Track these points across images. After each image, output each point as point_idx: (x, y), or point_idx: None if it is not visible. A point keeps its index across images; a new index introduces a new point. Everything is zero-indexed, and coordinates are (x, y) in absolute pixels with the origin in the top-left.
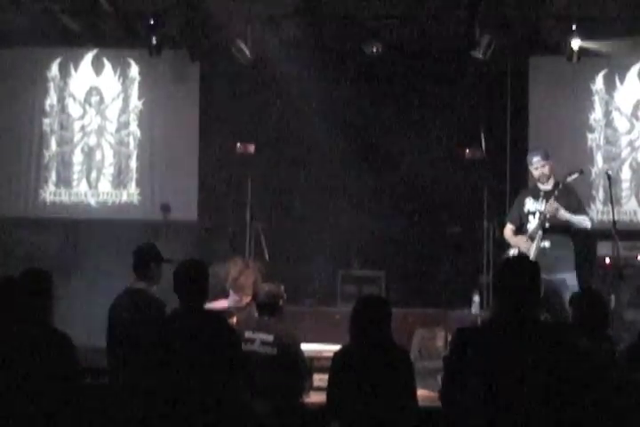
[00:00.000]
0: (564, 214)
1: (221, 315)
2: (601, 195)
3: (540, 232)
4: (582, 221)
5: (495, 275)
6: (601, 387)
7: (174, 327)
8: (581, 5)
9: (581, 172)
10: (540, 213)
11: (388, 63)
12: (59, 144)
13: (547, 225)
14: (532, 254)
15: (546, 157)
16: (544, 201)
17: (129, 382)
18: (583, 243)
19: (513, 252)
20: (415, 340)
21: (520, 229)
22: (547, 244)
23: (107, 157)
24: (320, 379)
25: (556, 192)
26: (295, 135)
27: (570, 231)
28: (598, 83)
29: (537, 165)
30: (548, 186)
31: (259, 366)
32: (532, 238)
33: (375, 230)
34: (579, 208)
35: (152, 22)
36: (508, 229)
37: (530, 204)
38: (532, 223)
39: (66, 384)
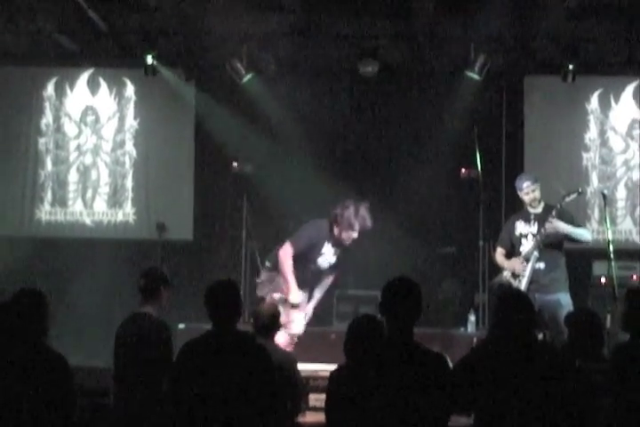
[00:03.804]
0: (565, 228)
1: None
2: (596, 214)
3: (535, 253)
4: (583, 233)
5: (495, 308)
6: (596, 407)
7: (208, 349)
8: (576, 25)
9: (579, 192)
10: (534, 235)
11: (384, 83)
12: (54, 163)
13: (542, 247)
14: (526, 276)
15: (534, 181)
16: (536, 223)
17: (161, 404)
18: (579, 262)
19: (506, 274)
20: None
21: (510, 253)
22: (541, 265)
23: (102, 176)
24: (316, 399)
25: (554, 213)
26: (291, 154)
27: (563, 252)
28: (593, 102)
29: (527, 191)
30: (538, 209)
31: None
32: (527, 260)
33: (370, 250)
34: (575, 225)
35: (148, 42)
36: (499, 253)
37: (521, 227)
38: (526, 245)
39: (62, 407)
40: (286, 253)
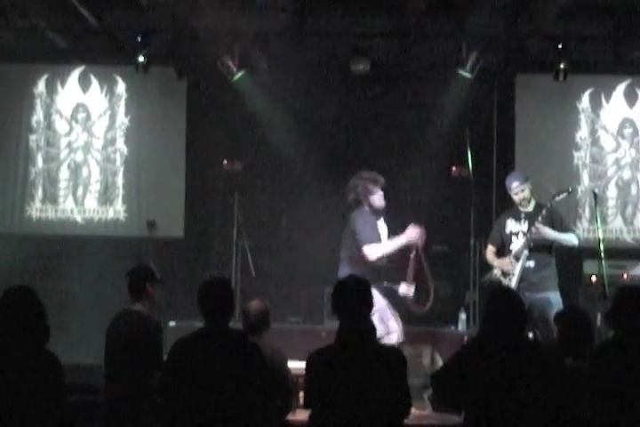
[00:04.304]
0: (551, 234)
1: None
2: (587, 213)
3: (525, 252)
4: (570, 238)
5: (486, 306)
6: (584, 405)
7: (200, 347)
8: (568, 24)
9: (569, 191)
10: (524, 233)
11: (376, 80)
12: (45, 161)
13: (531, 245)
14: (516, 274)
15: (524, 181)
16: (526, 222)
17: (152, 401)
18: (569, 261)
19: (496, 272)
20: None
21: (501, 251)
22: (531, 263)
23: (93, 173)
24: None
25: (544, 212)
26: (282, 152)
27: (553, 251)
28: (584, 101)
29: (517, 191)
30: (529, 208)
31: None
32: (516, 258)
33: None
34: (562, 228)
35: (139, 39)
36: (490, 251)
37: (512, 225)
38: (516, 244)
39: (53, 404)
40: (373, 250)
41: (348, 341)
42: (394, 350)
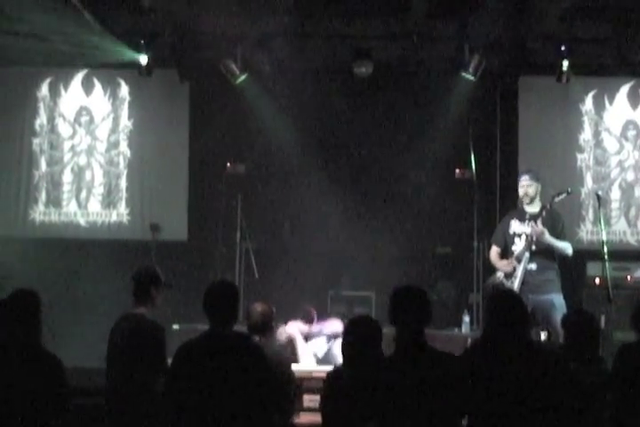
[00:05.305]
0: (549, 239)
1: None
2: (590, 215)
3: (527, 254)
4: (565, 247)
5: (488, 309)
6: (591, 408)
7: (205, 350)
8: (570, 26)
9: (569, 192)
10: (527, 235)
11: (378, 83)
12: (48, 164)
13: (533, 248)
14: (518, 276)
15: (534, 179)
16: (530, 223)
17: (157, 405)
18: (573, 263)
19: (499, 275)
20: None
21: (505, 251)
22: (533, 266)
23: (96, 176)
24: (310, 400)
25: (544, 213)
26: (285, 155)
27: (555, 254)
28: (588, 103)
29: (523, 184)
30: (534, 209)
31: None
32: (518, 260)
33: (365, 250)
34: (562, 234)
35: (142, 42)
36: (494, 251)
37: (515, 226)
38: (518, 245)
39: (55, 406)
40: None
41: (408, 350)
42: (452, 357)
